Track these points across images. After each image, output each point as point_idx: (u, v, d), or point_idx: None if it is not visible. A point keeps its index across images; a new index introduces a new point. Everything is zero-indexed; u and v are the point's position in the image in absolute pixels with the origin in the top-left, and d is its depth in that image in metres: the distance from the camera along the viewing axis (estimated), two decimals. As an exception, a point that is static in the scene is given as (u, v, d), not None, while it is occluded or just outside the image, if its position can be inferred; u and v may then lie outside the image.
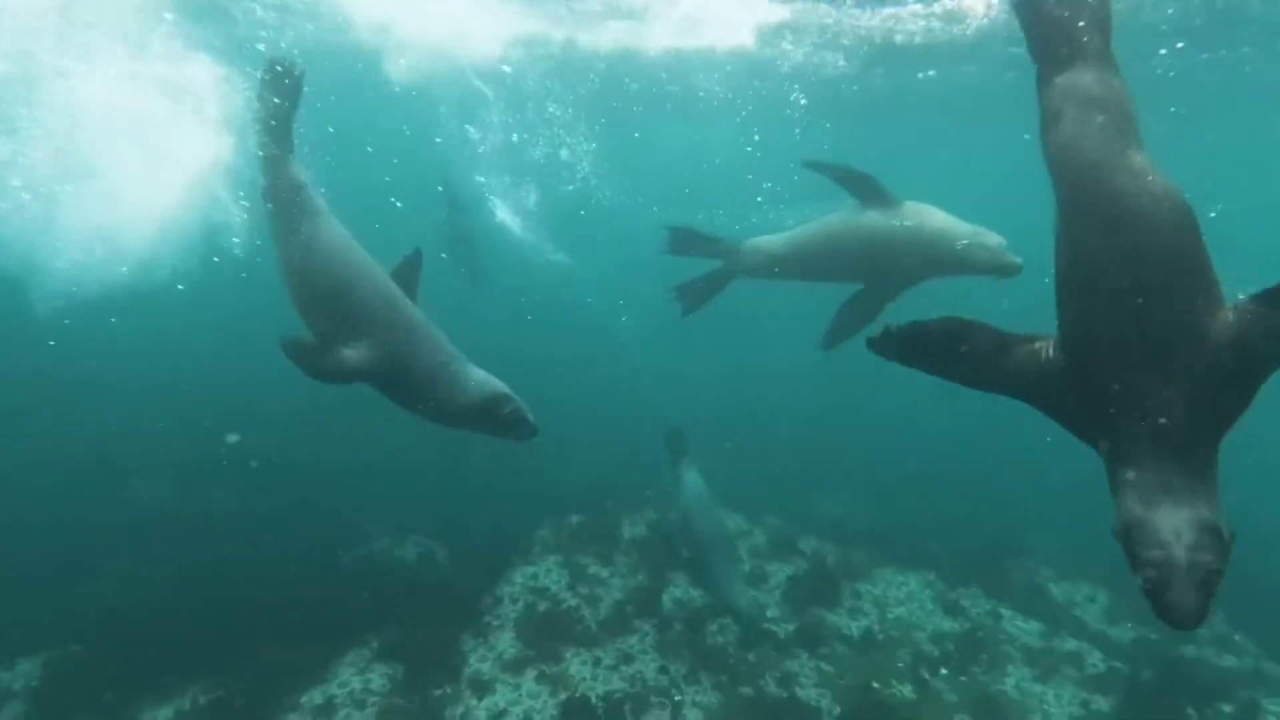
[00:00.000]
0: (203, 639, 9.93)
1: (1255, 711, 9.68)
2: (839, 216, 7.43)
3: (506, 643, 10.15)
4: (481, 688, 9.36)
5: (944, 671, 10.64)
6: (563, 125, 17.81)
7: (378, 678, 9.57)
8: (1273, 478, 19.99)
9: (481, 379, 5.34)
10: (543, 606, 11.05)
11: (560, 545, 12.90)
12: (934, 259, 6.85)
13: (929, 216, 6.88)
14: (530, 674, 9.59)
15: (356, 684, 9.47)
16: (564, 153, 18.13)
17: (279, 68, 6.14)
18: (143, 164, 10.11)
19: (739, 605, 10.46)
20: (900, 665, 10.71)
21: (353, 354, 5.15)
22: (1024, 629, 11.80)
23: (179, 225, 10.45)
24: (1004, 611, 12.20)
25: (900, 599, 12.30)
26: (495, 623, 10.66)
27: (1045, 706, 10.02)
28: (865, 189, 7.04)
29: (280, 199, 5.96)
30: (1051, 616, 12.24)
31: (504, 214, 17.11)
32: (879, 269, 7.19)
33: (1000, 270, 6.55)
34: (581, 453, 16.49)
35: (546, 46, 15.45)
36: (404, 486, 15.49)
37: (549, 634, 10.31)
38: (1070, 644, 11.53)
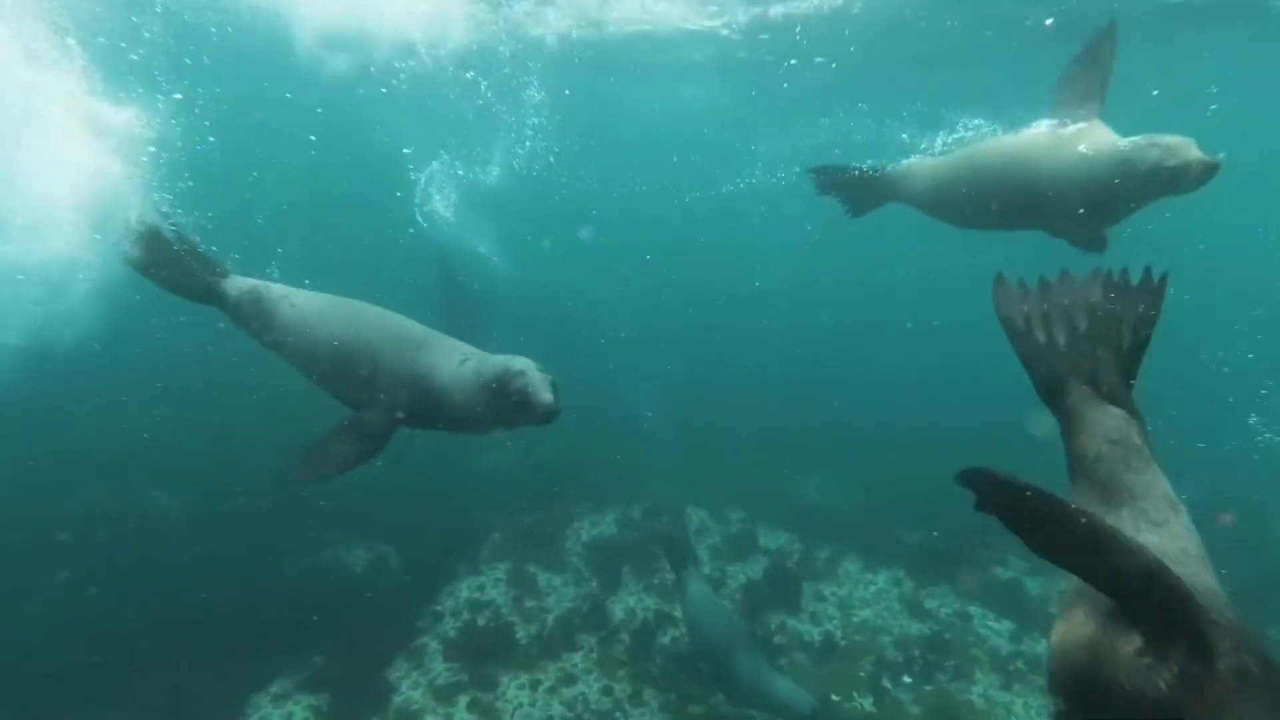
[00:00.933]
0: (109, 663, 9.28)
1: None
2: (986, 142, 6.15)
3: (440, 666, 9.54)
4: (409, 718, 8.75)
5: (907, 680, 10.08)
6: (534, 107, 16.97)
7: (300, 710, 8.95)
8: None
9: (496, 361, 4.58)
10: (483, 622, 10.44)
11: (511, 550, 12.29)
12: (1097, 175, 5.04)
13: (1089, 131, 5.25)
14: (463, 701, 8.98)
15: (277, 718, 8.86)
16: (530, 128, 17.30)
17: (145, 229, 5.43)
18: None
19: (785, 701, 8.69)
20: (862, 674, 10.14)
21: (374, 415, 4.74)
22: (994, 629, 11.23)
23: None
24: (974, 611, 11.63)
25: (866, 600, 11.71)
26: (432, 644, 10.04)
27: (1011, 718, 9.46)
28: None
29: (247, 319, 5.49)
30: (1024, 615, 11.66)
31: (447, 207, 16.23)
32: (1036, 198, 5.46)
33: (1191, 175, 4.62)
34: (541, 446, 15.82)
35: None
36: (363, 489, 14.86)
37: (487, 655, 9.70)
38: (1042, 645, 10.97)
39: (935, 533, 14.98)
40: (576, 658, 9.84)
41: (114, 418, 16.77)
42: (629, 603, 11.04)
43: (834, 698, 9.69)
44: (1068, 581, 2.47)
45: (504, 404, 4.35)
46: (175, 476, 15.41)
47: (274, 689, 9.27)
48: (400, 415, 4.67)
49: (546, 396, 4.22)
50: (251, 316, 5.42)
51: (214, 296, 5.56)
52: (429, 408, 4.69)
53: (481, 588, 11.34)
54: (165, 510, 14.62)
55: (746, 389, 24.28)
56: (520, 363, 4.47)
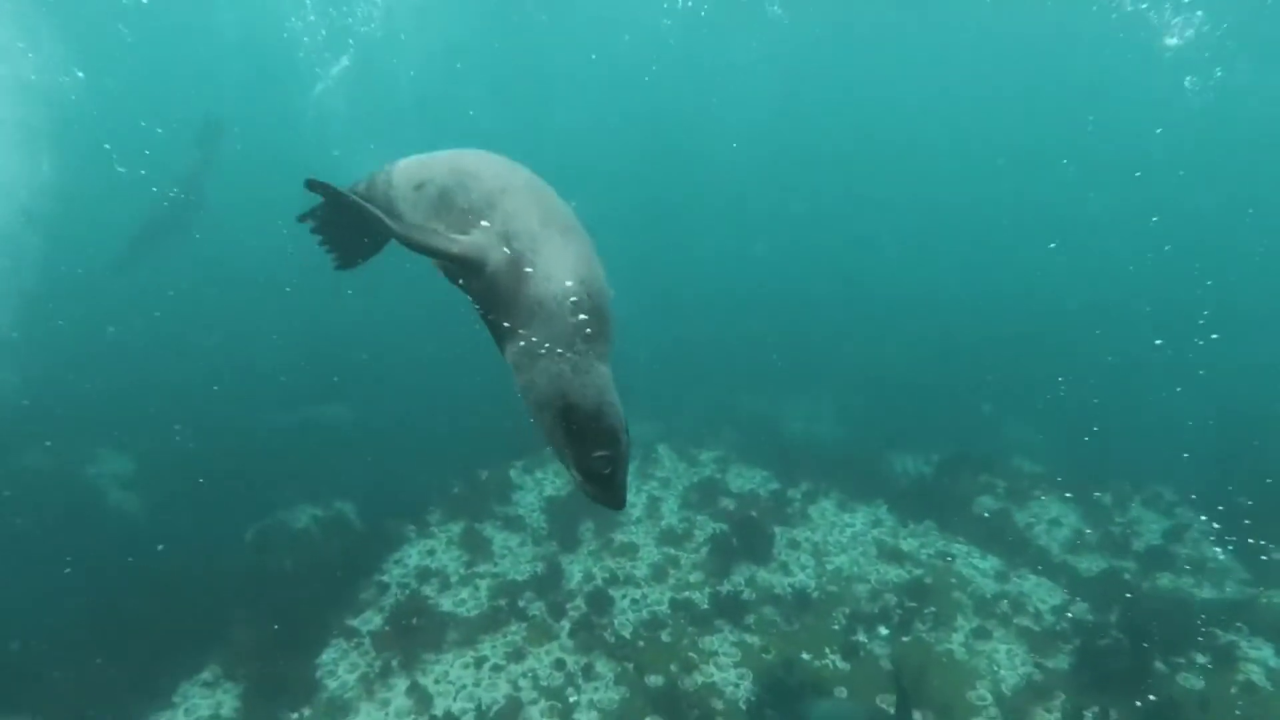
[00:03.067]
0: (32, 651, 8.68)
1: (1231, 661, 8.48)
2: None
3: (380, 647, 8.88)
4: (341, 710, 8.14)
5: (884, 631, 9.43)
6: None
7: (229, 700, 8.35)
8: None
9: (600, 377, 2.91)
10: (430, 592, 9.78)
11: (469, 508, 11.57)
12: None
13: None
14: (401, 686, 8.36)
15: (205, 711, 8.26)
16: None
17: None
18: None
19: None
20: (835, 628, 9.50)
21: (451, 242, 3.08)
22: (979, 569, 10.55)
23: None
24: (958, 549, 10.94)
25: (842, 544, 11.00)
26: (374, 619, 9.38)
27: (994, 669, 8.84)
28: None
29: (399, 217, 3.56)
30: (1011, 550, 10.99)
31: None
32: None
33: None
34: (505, 399, 14.93)
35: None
36: (328, 447, 14.16)
37: (430, 632, 9.05)
38: (1030, 582, 10.31)
39: (932, 457, 14.32)
40: (526, 629, 9.19)
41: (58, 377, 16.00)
42: (587, 563, 10.35)
43: (804, 656, 9.07)
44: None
45: (577, 441, 2.78)
46: (123, 436, 14.83)
47: (205, 675, 8.67)
48: (482, 263, 2.99)
49: (621, 490, 2.82)
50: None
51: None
52: (494, 297, 3.03)
53: (432, 552, 10.66)
54: (112, 472, 14.11)
55: (729, 312, 23.33)
56: (617, 414, 2.85)
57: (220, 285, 20.59)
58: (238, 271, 21.73)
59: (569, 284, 2.83)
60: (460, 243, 3.03)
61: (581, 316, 2.81)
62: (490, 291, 2.98)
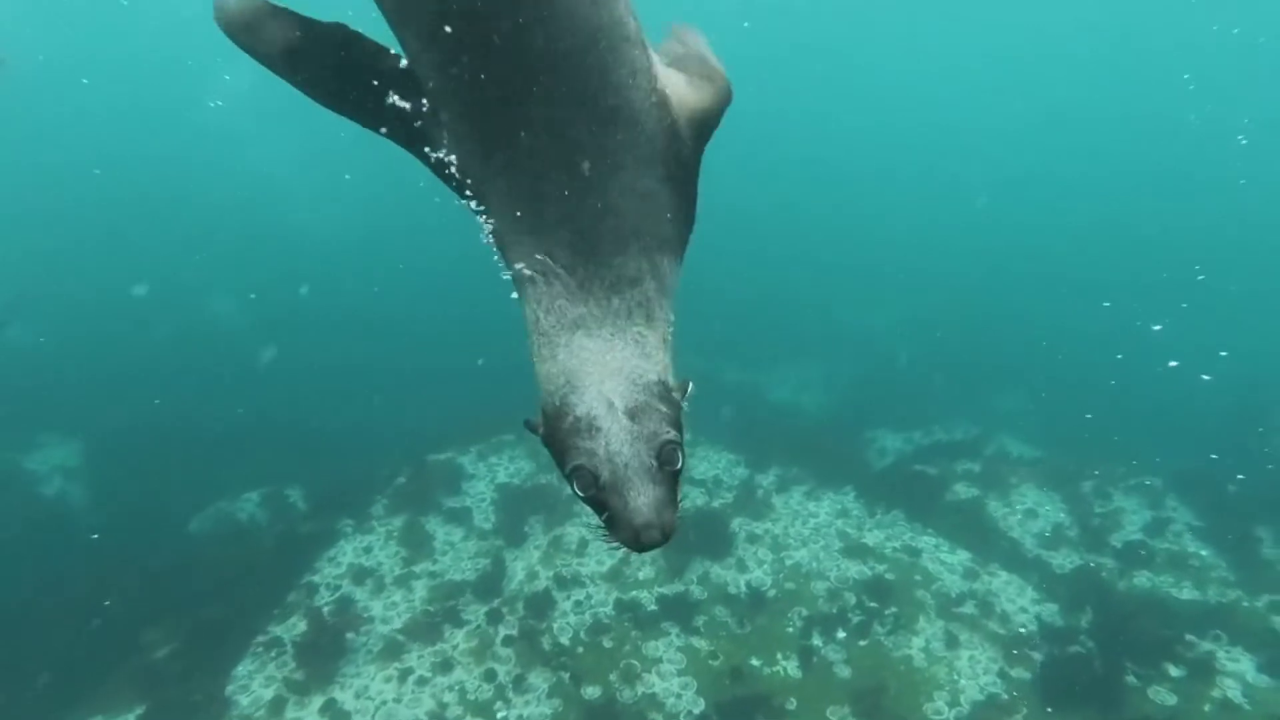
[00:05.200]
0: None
1: (1208, 674, 7.90)
2: None
3: (300, 658, 8.36)
4: (252, 730, 7.67)
5: (842, 634, 8.89)
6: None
7: (135, 721, 7.87)
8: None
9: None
10: (360, 596, 9.25)
11: (414, 500, 10.99)
12: None
13: None
14: (317, 704, 7.86)
15: (109, 732, 7.79)
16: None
17: None
18: None
19: None
20: (790, 630, 8.95)
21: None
22: (946, 564, 9.96)
23: None
24: (925, 542, 10.34)
25: (803, 537, 10.40)
26: (300, 625, 8.85)
27: (955, 678, 8.29)
28: None
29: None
30: (982, 542, 10.38)
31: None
32: None
33: None
34: (457, 385, 14.24)
35: None
36: (278, 431, 13.61)
37: (355, 640, 8.53)
38: (999, 579, 9.72)
39: (914, 435, 13.70)
40: (459, 636, 8.66)
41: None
42: (532, 561, 9.78)
43: (754, 662, 8.54)
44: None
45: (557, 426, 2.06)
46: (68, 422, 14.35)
47: (108, 690, 8.17)
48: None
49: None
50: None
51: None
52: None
53: (369, 549, 10.11)
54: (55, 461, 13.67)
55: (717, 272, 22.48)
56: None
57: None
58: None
59: None
60: None
61: None
62: None
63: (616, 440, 1.93)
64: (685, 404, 2.20)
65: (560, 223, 2.03)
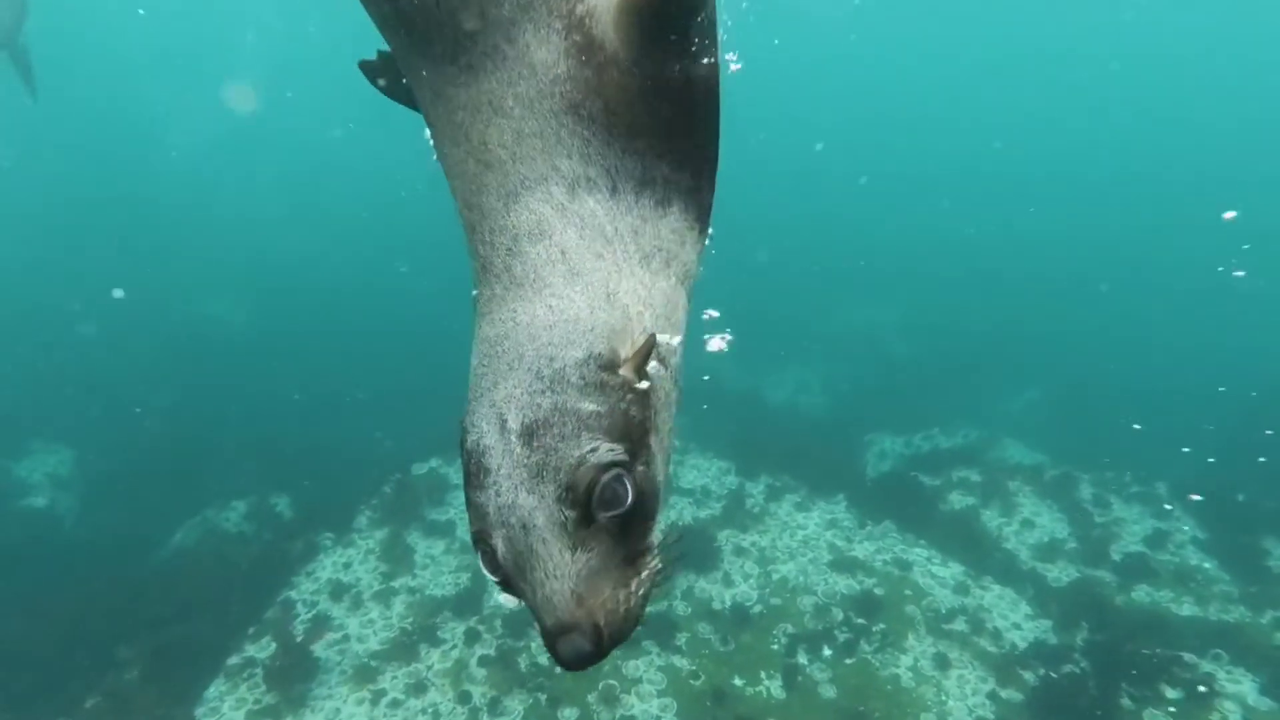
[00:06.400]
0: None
1: (1207, 697, 7.59)
2: None
3: (271, 680, 8.21)
4: (220, 755, 7.53)
5: (828, 652, 8.64)
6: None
7: (106, 745, 7.76)
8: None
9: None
10: (337, 614, 9.09)
11: (397, 511, 10.83)
12: None
13: None
14: (286, 727, 7.71)
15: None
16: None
17: None
18: None
19: None
20: (775, 648, 8.71)
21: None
22: (937, 578, 9.67)
23: None
24: (917, 554, 10.06)
25: (791, 550, 10.15)
26: (273, 645, 8.69)
27: (943, 699, 8.03)
28: None
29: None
30: (976, 554, 10.09)
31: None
32: None
33: None
34: (445, 394, 14.07)
35: None
36: (267, 440, 13.50)
37: (328, 660, 8.37)
38: (992, 594, 9.44)
39: (913, 439, 13.43)
40: (435, 656, 8.48)
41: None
42: (511, 576, 9.58)
43: (737, 682, 8.31)
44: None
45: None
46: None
47: (79, 716, 8.05)
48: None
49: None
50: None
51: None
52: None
53: (349, 564, 9.95)
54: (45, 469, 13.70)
55: (717, 272, 22.16)
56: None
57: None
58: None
59: None
60: None
61: None
62: None
63: (507, 485, 1.34)
64: (661, 371, 1.55)
65: (466, 198, 1.74)
